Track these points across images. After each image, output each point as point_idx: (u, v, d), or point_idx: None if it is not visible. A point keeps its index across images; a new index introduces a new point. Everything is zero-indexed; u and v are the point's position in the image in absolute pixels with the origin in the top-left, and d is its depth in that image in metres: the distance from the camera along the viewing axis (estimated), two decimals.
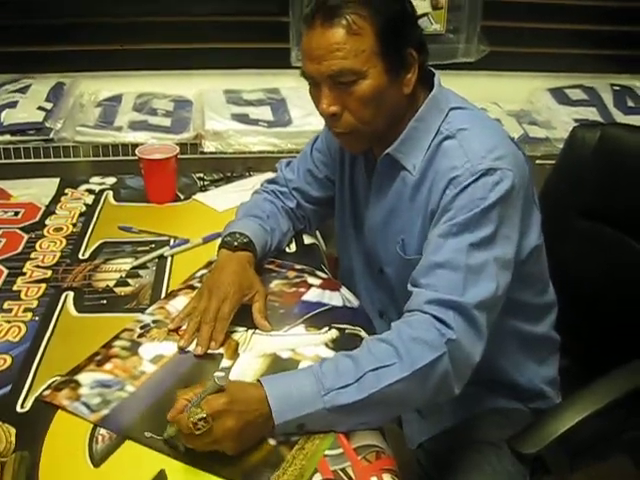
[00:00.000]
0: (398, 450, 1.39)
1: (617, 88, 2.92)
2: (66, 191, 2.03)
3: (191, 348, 1.30)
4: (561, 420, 1.33)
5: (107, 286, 1.53)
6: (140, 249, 1.69)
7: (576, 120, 2.63)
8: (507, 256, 1.29)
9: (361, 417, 1.15)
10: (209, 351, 1.29)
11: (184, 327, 1.36)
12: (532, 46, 2.87)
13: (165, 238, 1.74)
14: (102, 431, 1.11)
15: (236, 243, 1.49)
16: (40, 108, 2.47)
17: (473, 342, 1.21)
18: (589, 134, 1.77)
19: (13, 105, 2.48)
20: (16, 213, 1.87)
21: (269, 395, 1.10)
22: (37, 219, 1.85)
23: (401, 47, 1.32)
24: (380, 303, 1.59)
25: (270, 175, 1.79)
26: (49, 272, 1.58)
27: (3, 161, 2.36)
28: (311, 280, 1.53)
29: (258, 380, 1.13)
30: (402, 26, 1.32)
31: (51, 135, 2.40)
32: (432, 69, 1.44)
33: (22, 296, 1.49)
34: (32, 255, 1.66)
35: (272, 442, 1.10)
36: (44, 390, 1.19)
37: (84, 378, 1.22)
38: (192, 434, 1.03)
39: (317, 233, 1.85)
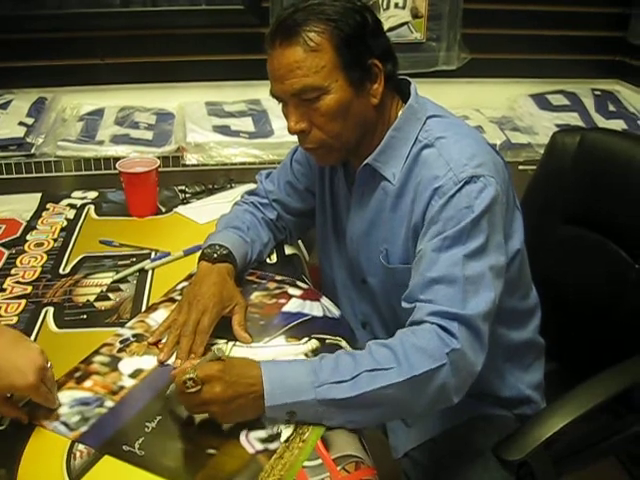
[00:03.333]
0: (384, 460, 1.39)
1: (598, 93, 2.95)
2: (48, 206, 2.03)
3: (171, 361, 1.30)
4: (545, 426, 1.33)
5: (87, 301, 1.53)
6: (121, 263, 1.68)
7: (558, 125, 2.65)
8: (500, 263, 1.29)
9: (351, 414, 1.15)
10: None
11: (164, 340, 1.35)
12: (513, 52, 2.90)
13: (146, 251, 1.74)
14: (80, 447, 1.10)
15: (216, 255, 1.49)
16: (21, 123, 2.48)
17: (476, 352, 1.22)
18: (569, 139, 1.77)
19: None
20: None
21: (264, 376, 1.13)
22: (18, 234, 1.84)
23: (363, 58, 1.32)
24: (363, 314, 1.59)
25: (252, 186, 1.78)
26: (29, 288, 1.58)
27: None
28: (291, 291, 1.53)
29: (257, 362, 1.17)
30: (363, 38, 1.32)
31: (32, 150, 2.40)
32: (407, 78, 1.44)
33: (2, 312, 1.47)
34: (12, 271, 1.65)
35: (250, 450, 1.10)
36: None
37: (63, 397, 1.20)
38: (182, 392, 1.11)
39: (300, 243, 1.85)
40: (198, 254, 1.64)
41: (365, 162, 1.41)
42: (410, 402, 1.19)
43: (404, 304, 1.29)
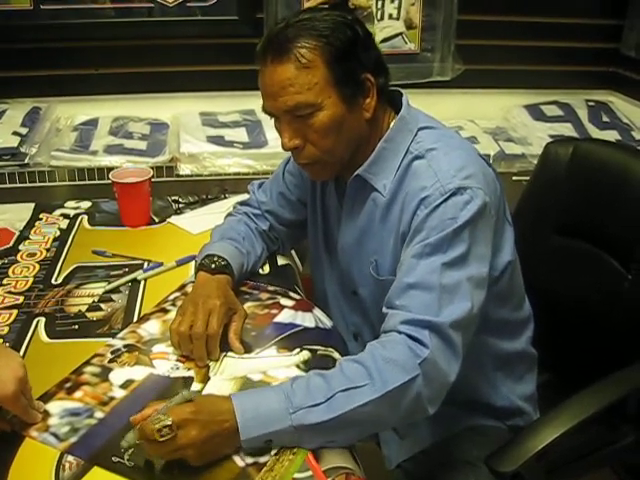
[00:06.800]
0: (377, 471, 1.38)
1: (592, 104, 2.95)
2: (41, 216, 2.03)
3: (161, 372, 1.30)
4: (538, 437, 1.32)
5: (79, 311, 1.52)
6: (113, 273, 1.68)
7: (551, 136, 2.65)
8: (481, 275, 1.29)
9: (330, 436, 1.14)
10: (178, 375, 1.29)
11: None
12: (507, 63, 2.90)
13: (139, 262, 1.74)
14: (69, 458, 1.09)
15: (214, 266, 1.48)
16: (15, 133, 2.47)
17: (449, 361, 1.21)
18: (562, 150, 1.78)
19: None
20: None
21: (237, 410, 1.10)
22: (11, 244, 1.84)
23: (355, 73, 1.32)
24: (354, 325, 1.58)
25: (245, 197, 1.78)
26: (21, 298, 1.57)
27: None
28: (284, 301, 1.53)
29: (229, 395, 1.14)
30: (354, 52, 1.32)
31: (26, 160, 2.39)
32: (399, 89, 1.44)
33: None
34: (4, 281, 1.65)
35: (240, 463, 1.09)
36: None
37: (53, 407, 1.20)
38: (155, 441, 1.04)
39: (293, 254, 1.85)
40: (191, 265, 1.64)
41: (356, 173, 1.41)
42: (386, 416, 1.19)
43: (384, 309, 1.29)
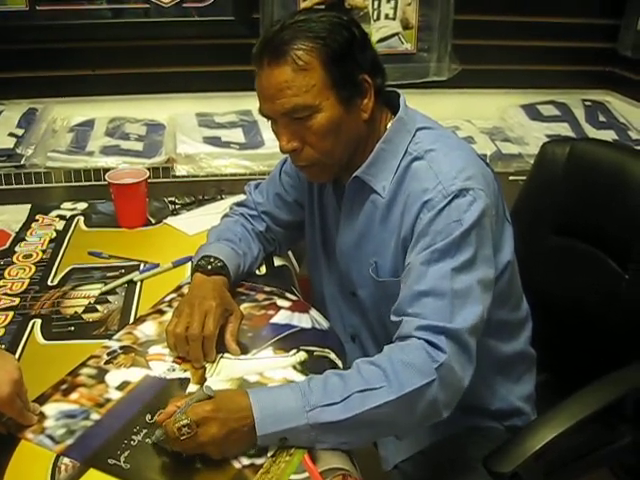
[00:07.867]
0: (374, 472, 1.38)
1: (589, 103, 2.96)
2: (37, 217, 2.02)
3: (157, 373, 1.29)
4: (536, 437, 1.32)
5: (75, 313, 1.52)
6: (110, 274, 1.67)
7: (548, 136, 2.65)
8: (489, 277, 1.29)
9: (344, 436, 1.14)
10: (174, 376, 1.29)
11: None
12: (503, 63, 2.91)
13: (135, 263, 1.73)
14: (65, 460, 1.09)
15: (210, 267, 1.48)
16: (11, 134, 2.47)
17: (464, 367, 1.21)
18: (559, 149, 1.78)
19: None
20: None
21: (254, 406, 1.11)
22: (7, 246, 1.84)
23: (353, 74, 1.32)
24: (352, 327, 1.58)
25: (242, 197, 1.78)
26: (17, 300, 1.57)
27: None
28: (280, 302, 1.52)
29: (246, 391, 1.14)
30: (351, 53, 1.31)
31: (22, 161, 2.39)
32: (396, 90, 1.44)
33: None
34: (0, 283, 1.64)
35: (237, 465, 1.09)
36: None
37: (49, 409, 1.20)
38: (177, 439, 1.06)
39: (290, 255, 1.84)
40: (188, 266, 1.64)
41: (354, 175, 1.40)
42: (402, 420, 1.19)
43: (392, 317, 1.28)
